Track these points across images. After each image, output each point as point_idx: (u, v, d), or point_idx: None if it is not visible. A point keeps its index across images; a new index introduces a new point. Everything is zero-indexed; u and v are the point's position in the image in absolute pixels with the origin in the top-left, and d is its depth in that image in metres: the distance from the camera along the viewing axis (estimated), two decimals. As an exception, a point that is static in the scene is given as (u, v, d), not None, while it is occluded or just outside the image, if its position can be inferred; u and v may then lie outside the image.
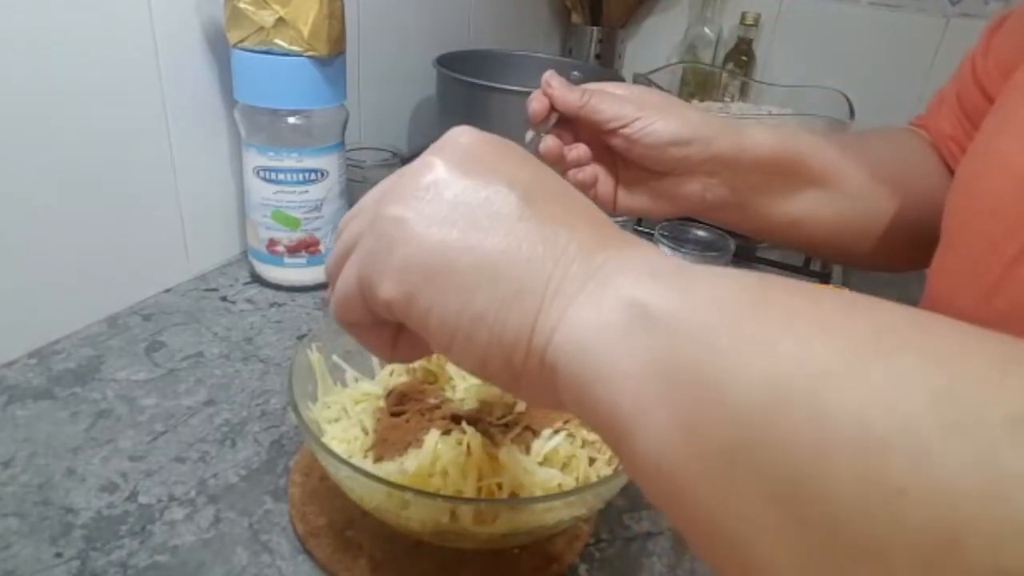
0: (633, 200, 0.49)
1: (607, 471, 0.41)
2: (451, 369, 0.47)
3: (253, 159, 0.61)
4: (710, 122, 0.47)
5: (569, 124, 0.47)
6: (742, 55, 1.16)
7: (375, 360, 0.48)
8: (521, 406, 0.43)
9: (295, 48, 0.56)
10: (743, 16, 1.14)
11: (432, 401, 0.43)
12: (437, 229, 0.23)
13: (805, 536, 0.16)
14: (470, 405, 0.44)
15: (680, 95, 1.06)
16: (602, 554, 0.41)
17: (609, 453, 0.42)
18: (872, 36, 1.12)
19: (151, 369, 0.53)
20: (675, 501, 0.20)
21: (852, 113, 0.85)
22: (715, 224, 0.61)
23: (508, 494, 0.38)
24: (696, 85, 1.09)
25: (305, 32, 0.55)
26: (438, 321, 0.23)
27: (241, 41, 0.56)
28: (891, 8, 1.10)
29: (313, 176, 0.61)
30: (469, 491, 0.38)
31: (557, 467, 0.41)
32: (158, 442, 0.46)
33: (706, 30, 1.18)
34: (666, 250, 0.66)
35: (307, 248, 0.64)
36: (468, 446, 0.39)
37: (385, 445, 0.40)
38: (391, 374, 0.47)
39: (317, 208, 0.63)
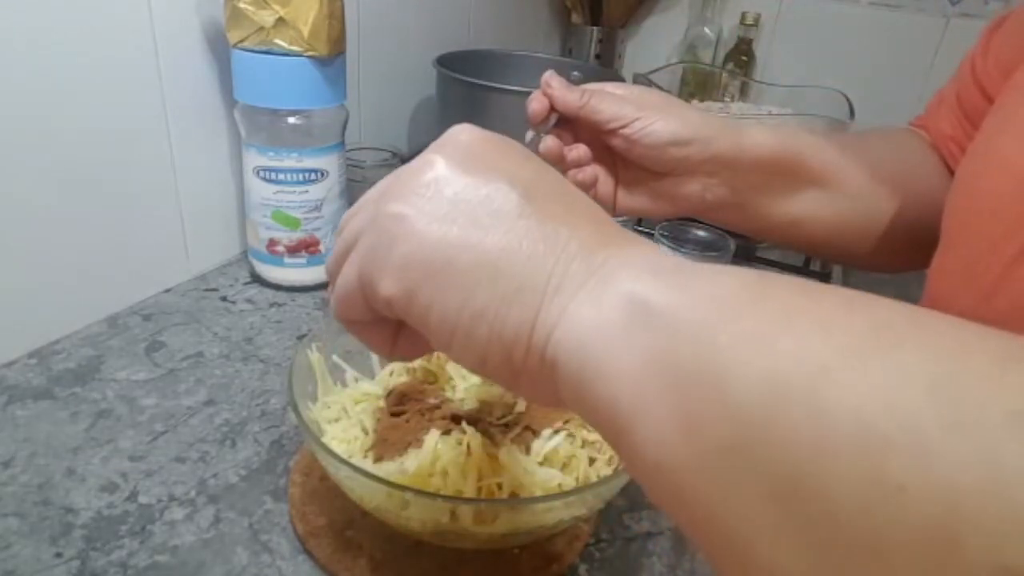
0: (633, 200, 0.49)
1: (607, 471, 0.41)
2: (451, 369, 0.47)
3: (253, 159, 0.61)
4: (710, 122, 0.47)
5: (569, 124, 0.47)
6: (742, 55, 1.16)
7: (375, 360, 0.48)
8: (521, 406, 0.43)
9: (295, 48, 0.56)
10: (743, 16, 1.14)
11: (432, 401, 0.43)
12: (438, 226, 0.23)
13: (805, 533, 0.16)
14: (470, 405, 0.44)
15: (680, 95, 1.06)
16: (602, 554, 0.41)
17: (609, 453, 0.42)
18: (872, 36, 1.12)
19: (151, 369, 0.53)
20: (675, 499, 0.20)
21: (852, 113, 0.85)
22: (715, 224, 0.61)
23: (508, 494, 0.38)
24: (696, 85, 1.09)
25: (305, 32, 0.55)
26: (438, 318, 0.23)
27: (241, 41, 0.56)
28: (891, 8, 1.10)
29: (313, 176, 0.61)
30: (469, 491, 0.38)
31: (557, 467, 0.41)
32: (158, 442, 0.46)
33: (706, 30, 1.18)
34: (666, 250, 0.66)
35: (307, 248, 0.64)
36: (468, 446, 0.39)
37: (385, 445, 0.40)
38: (391, 374, 0.47)
39: (317, 208, 0.63)
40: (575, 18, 1.25)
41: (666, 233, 0.68)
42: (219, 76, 0.62)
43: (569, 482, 0.40)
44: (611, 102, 0.45)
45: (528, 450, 0.41)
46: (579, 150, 0.47)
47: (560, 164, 0.47)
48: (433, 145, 0.26)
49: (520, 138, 0.45)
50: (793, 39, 1.18)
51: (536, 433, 0.42)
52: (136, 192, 0.58)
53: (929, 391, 0.15)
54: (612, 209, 0.50)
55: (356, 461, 0.39)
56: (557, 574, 0.40)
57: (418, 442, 0.39)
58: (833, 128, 0.81)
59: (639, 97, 0.46)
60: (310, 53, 0.56)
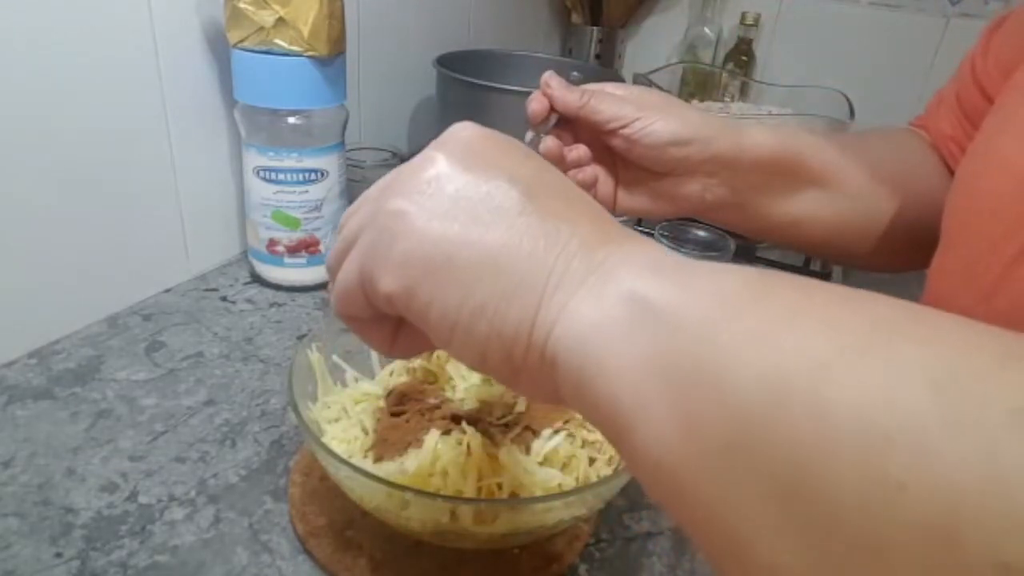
0: (633, 200, 0.49)
1: (607, 471, 0.41)
2: (451, 369, 0.47)
3: (253, 159, 0.61)
4: (710, 122, 0.47)
5: (569, 125, 0.47)
6: (742, 55, 1.16)
7: (375, 360, 0.48)
8: (521, 406, 0.43)
9: (295, 48, 0.56)
10: (743, 16, 1.14)
11: (432, 401, 0.43)
12: (438, 223, 0.23)
13: (805, 531, 0.16)
14: (470, 405, 0.44)
15: (680, 95, 1.06)
16: (602, 554, 0.41)
17: (609, 453, 0.42)
18: (872, 36, 1.12)
19: (151, 369, 0.53)
20: (675, 497, 0.20)
21: (852, 113, 0.85)
22: (715, 224, 0.61)
23: (508, 494, 0.38)
24: (696, 85, 1.09)
25: (305, 32, 0.55)
26: (438, 315, 0.23)
27: (241, 41, 0.56)
28: (891, 8, 1.10)
29: (313, 176, 0.61)
30: (469, 491, 0.38)
31: (557, 467, 0.41)
32: (158, 442, 0.46)
33: (706, 30, 1.18)
34: (666, 250, 0.66)
35: (307, 248, 0.64)
36: (468, 446, 0.39)
37: (385, 445, 0.40)
38: (391, 374, 0.47)
39: (317, 208, 0.63)
40: (575, 18, 1.25)
41: (666, 233, 0.68)
42: (219, 76, 0.62)
43: (569, 482, 0.40)
44: (611, 102, 0.45)
45: (528, 450, 0.41)
46: (579, 150, 0.47)
47: (560, 164, 0.47)
48: (434, 142, 0.26)
49: (520, 138, 0.45)
50: (793, 39, 1.18)
51: (536, 433, 0.42)
52: (136, 192, 0.58)
53: (930, 389, 0.15)
54: (612, 209, 0.50)
55: (356, 461, 0.39)
56: (557, 574, 0.40)
57: (418, 442, 0.39)
58: (833, 128, 0.81)
59: (639, 97, 0.46)
60: (310, 53, 0.56)
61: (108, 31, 0.52)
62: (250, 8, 0.55)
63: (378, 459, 0.40)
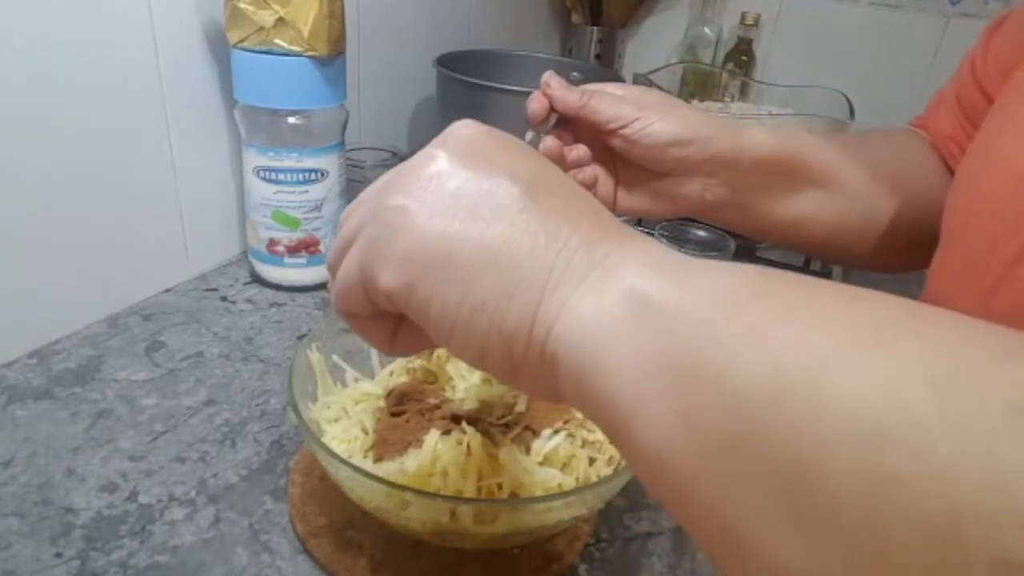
0: (633, 200, 0.49)
1: (607, 471, 0.41)
2: (451, 369, 0.47)
3: (253, 159, 0.61)
4: (710, 122, 0.47)
5: (569, 125, 0.47)
6: (742, 55, 1.16)
7: (375, 360, 0.48)
8: (521, 406, 0.43)
9: (295, 48, 0.56)
10: (743, 16, 1.14)
11: (432, 401, 0.43)
12: (439, 220, 0.23)
13: (805, 527, 0.16)
14: (470, 405, 0.44)
15: (680, 95, 1.06)
16: (602, 554, 0.41)
17: (609, 453, 0.42)
18: (872, 36, 1.12)
19: (151, 369, 0.53)
20: (675, 494, 0.20)
21: (852, 113, 0.85)
22: (715, 224, 0.61)
23: (508, 494, 0.38)
24: (696, 85, 1.09)
25: (305, 32, 0.55)
26: (438, 311, 0.24)
27: (241, 41, 0.56)
28: (891, 8, 1.10)
29: (313, 176, 0.61)
30: (469, 491, 0.38)
31: (557, 467, 0.41)
32: (158, 442, 0.46)
33: (706, 30, 1.18)
34: (666, 248, 0.66)
35: (307, 248, 0.64)
36: (468, 446, 0.39)
37: (385, 445, 0.40)
38: (391, 374, 0.47)
39: (317, 208, 0.63)
40: (575, 18, 1.25)
41: (666, 233, 0.68)
42: (219, 76, 0.62)
43: (569, 482, 0.40)
44: (611, 102, 0.45)
45: (528, 450, 0.41)
46: (579, 150, 0.47)
47: (560, 164, 0.47)
48: (435, 140, 0.26)
49: (520, 138, 0.45)
50: (793, 39, 1.18)
51: (536, 433, 0.42)
52: (136, 192, 0.58)
53: (929, 385, 0.15)
54: (612, 209, 0.50)
55: (356, 461, 0.39)
56: (557, 574, 0.40)
57: (418, 442, 0.39)
58: (833, 128, 0.81)
59: (639, 97, 0.46)
60: (310, 53, 0.56)
61: (108, 31, 0.52)
62: (250, 8, 0.55)
63: (378, 459, 0.40)
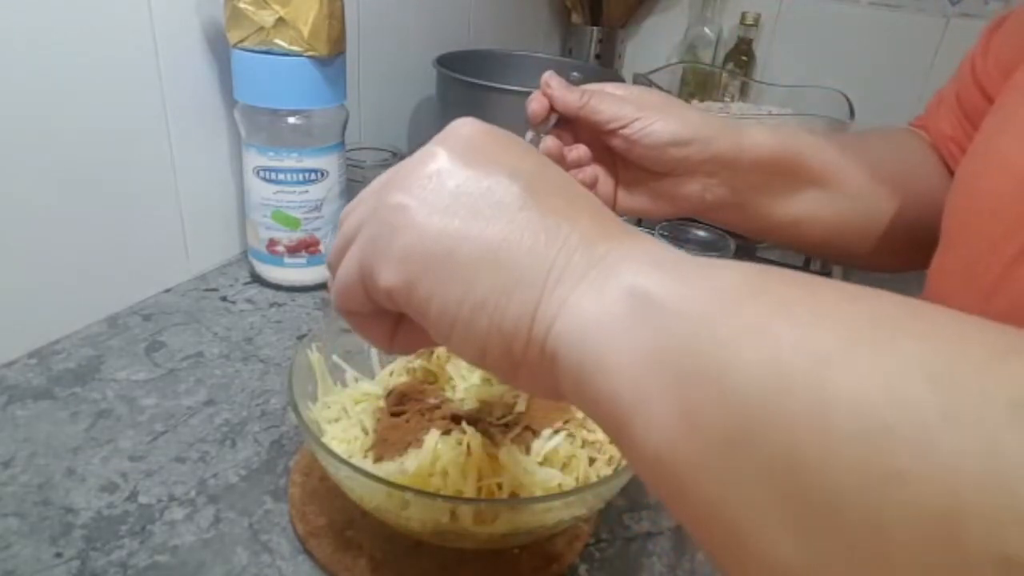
0: (633, 200, 0.49)
1: (607, 471, 0.41)
2: (451, 369, 0.47)
3: (253, 159, 0.61)
4: (710, 122, 0.47)
5: (569, 125, 0.47)
6: (742, 55, 1.16)
7: (375, 360, 0.48)
8: (521, 406, 0.43)
9: (295, 48, 0.56)
10: (743, 16, 1.14)
11: (432, 401, 0.43)
12: (439, 218, 0.23)
13: (805, 524, 0.16)
14: (470, 405, 0.44)
15: (680, 95, 1.06)
16: (602, 554, 0.41)
17: (609, 453, 0.42)
18: (872, 36, 1.12)
19: (151, 369, 0.53)
20: (675, 492, 0.20)
21: (852, 113, 0.85)
22: (715, 224, 0.61)
23: (508, 494, 0.38)
24: (696, 85, 1.09)
25: (305, 32, 0.55)
26: (438, 309, 0.24)
27: (241, 41, 0.56)
28: (891, 8, 1.10)
29: (313, 176, 0.61)
30: (469, 491, 0.38)
31: (557, 467, 0.41)
32: (158, 442, 0.46)
33: (706, 30, 1.18)
34: (666, 246, 0.66)
35: (307, 248, 0.64)
36: (468, 446, 0.39)
37: (385, 445, 0.40)
38: (391, 374, 0.47)
39: (317, 208, 0.63)
40: (575, 18, 1.25)
41: (666, 233, 0.68)
42: (219, 76, 0.62)
43: (569, 482, 0.40)
44: (611, 102, 0.45)
45: (528, 450, 0.41)
46: (579, 150, 0.47)
47: (560, 164, 0.46)
48: (435, 138, 0.26)
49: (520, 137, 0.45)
50: (793, 39, 1.18)
51: (536, 433, 0.42)
52: (136, 192, 0.58)
53: (930, 381, 0.15)
54: (612, 209, 0.49)
55: (356, 461, 0.39)
56: (557, 574, 0.40)
57: (418, 442, 0.39)
58: (833, 128, 0.81)
59: (639, 97, 0.46)
60: (310, 53, 0.56)
61: (108, 31, 0.52)
62: (250, 8, 0.55)
63: (378, 459, 0.40)
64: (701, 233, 0.69)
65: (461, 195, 0.24)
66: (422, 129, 0.97)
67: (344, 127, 0.64)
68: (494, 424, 0.42)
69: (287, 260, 0.64)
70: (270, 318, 0.61)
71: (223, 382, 0.52)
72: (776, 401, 0.17)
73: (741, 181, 0.48)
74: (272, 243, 0.63)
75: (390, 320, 0.29)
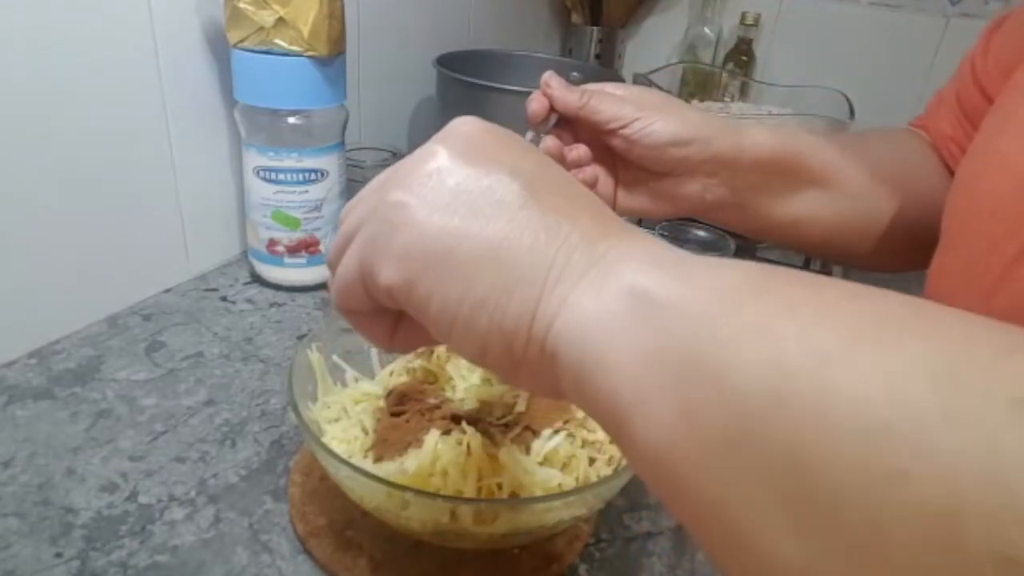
0: (633, 200, 0.49)
1: (607, 471, 0.41)
2: (451, 369, 0.47)
3: (253, 159, 0.61)
4: (709, 122, 0.47)
5: (569, 125, 0.47)
6: (742, 55, 1.16)
7: (375, 360, 0.48)
8: (521, 406, 0.43)
9: (295, 48, 0.56)
10: (743, 16, 1.14)
11: (432, 401, 0.43)
12: (439, 216, 0.23)
13: (806, 522, 0.16)
14: (470, 405, 0.44)
15: (680, 95, 1.06)
16: (602, 554, 0.41)
17: (609, 453, 0.42)
18: (872, 36, 1.12)
19: (151, 369, 0.53)
20: (675, 491, 0.20)
21: (852, 113, 0.85)
22: (715, 224, 0.61)
23: (508, 494, 0.38)
24: (696, 85, 1.09)
25: (305, 32, 0.55)
26: (438, 308, 0.23)
27: (241, 41, 0.56)
28: (891, 8, 1.10)
29: (313, 176, 0.61)
30: (469, 491, 0.38)
31: (557, 467, 0.41)
32: (158, 442, 0.46)
33: (706, 30, 1.18)
34: (667, 245, 0.66)
35: (307, 248, 0.64)
36: (468, 446, 0.39)
37: (385, 445, 0.40)
38: (391, 374, 0.47)
39: (317, 208, 0.63)
40: (575, 18, 1.25)
41: (666, 233, 0.68)
42: (219, 76, 0.62)
43: (569, 482, 0.40)
44: (611, 102, 0.45)
45: (528, 450, 0.41)
46: (579, 150, 0.47)
47: (560, 164, 0.47)
48: (435, 136, 0.26)
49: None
50: (793, 39, 1.18)
51: (536, 433, 0.42)
52: (136, 192, 0.58)
53: (931, 380, 0.15)
54: (612, 209, 0.50)
55: (356, 461, 0.39)
56: (557, 574, 0.40)
57: (418, 442, 0.39)
58: (833, 128, 0.81)
59: (639, 97, 0.46)
60: (310, 53, 0.56)
61: (108, 31, 0.52)
62: (250, 8, 0.55)
63: (378, 459, 0.40)
64: (701, 233, 0.69)
65: (461, 193, 0.24)
66: (422, 129, 0.97)
67: (344, 127, 0.64)
68: (494, 424, 0.42)
69: (287, 260, 0.64)
70: (270, 318, 0.61)
71: (223, 382, 0.52)
72: (776, 400, 0.17)
73: (741, 181, 0.48)
74: (272, 243, 0.63)
75: (390, 318, 0.29)
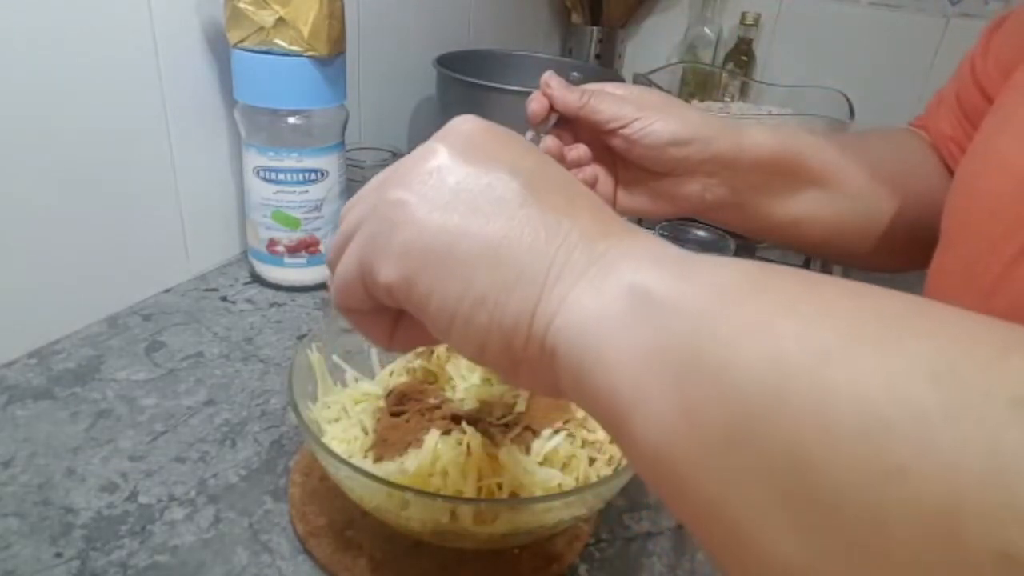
0: (633, 200, 0.49)
1: (607, 471, 0.41)
2: (451, 369, 0.47)
3: (253, 159, 0.61)
4: (709, 122, 0.47)
5: (569, 124, 0.47)
6: (742, 55, 1.16)
7: (375, 360, 0.48)
8: (521, 406, 0.43)
9: (295, 48, 0.56)
10: (743, 16, 1.14)
11: (432, 401, 0.43)
12: (439, 214, 0.23)
13: (806, 520, 0.16)
14: (470, 405, 0.44)
15: (680, 95, 1.06)
16: (602, 554, 0.41)
17: (609, 453, 0.42)
18: (872, 36, 1.12)
19: (151, 369, 0.53)
20: (675, 489, 0.20)
21: (852, 113, 0.85)
22: (715, 224, 0.61)
23: (508, 494, 0.38)
24: (696, 85, 1.09)
25: (305, 32, 0.55)
26: (438, 306, 0.23)
27: (241, 41, 0.56)
28: (891, 8, 1.10)
29: (313, 176, 0.61)
30: (469, 491, 0.38)
31: (557, 467, 0.41)
32: (158, 442, 0.46)
33: (706, 30, 1.18)
34: (667, 244, 0.66)
35: (307, 248, 0.64)
36: (468, 446, 0.39)
37: (385, 445, 0.40)
38: (391, 374, 0.47)
39: (317, 208, 0.63)
40: (575, 18, 1.25)
41: (666, 233, 0.68)
42: (219, 76, 0.62)
43: (569, 482, 0.40)
44: (611, 102, 0.45)
45: (528, 450, 0.41)
46: (579, 150, 0.47)
47: (560, 164, 0.47)
48: (435, 135, 0.26)
49: (520, 138, 0.45)
50: (793, 39, 1.18)
51: (536, 433, 0.42)
52: (136, 192, 0.58)
53: (932, 378, 0.15)
54: (612, 209, 0.50)
55: (356, 461, 0.39)
56: (557, 574, 0.40)
57: (418, 442, 0.39)
58: (833, 128, 0.81)
59: (639, 97, 0.46)
60: (310, 53, 0.56)
61: (108, 31, 0.52)
62: (250, 8, 0.55)
63: (378, 459, 0.40)
64: (701, 233, 0.69)
65: (461, 191, 0.24)
66: (422, 129, 0.97)
67: (344, 127, 0.64)
68: (494, 424, 0.42)
69: (287, 260, 0.64)
70: (270, 318, 0.61)
71: (223, 382, 0.52)
72: (776, 398, 0.17)
73: (741, 181, 0.48)
74: (272, 243, 0.63)
75: (389, 317, 0.29)
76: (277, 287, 0.65)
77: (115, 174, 0.56)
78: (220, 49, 0.61)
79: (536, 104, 0.46)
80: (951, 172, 0.51)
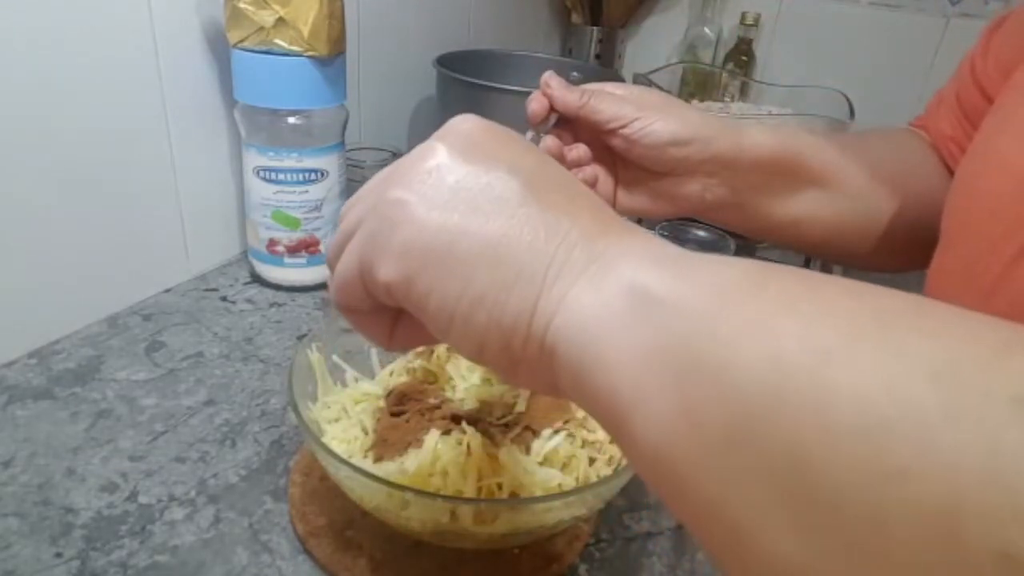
0: (633, 200, 0.49)
1: (607, 471, 0.41)
2: (451, 369, 0.47)
3: (253, 159, 0.61)
4: (709, 122, 0.47)
5: (569, 124, 0.47)
6: (742, 55, 1.16)
7: (375, 360, 0.48)
8: (521, 406, 0.43)
9: (295, 48, 0.56)
10: (743, 16, 1.14)
11: (432, 401, 0.43)
12: (438, 213, 0.23)
13: (806, 521, 0.16)
14: (470, 405, 0.44)
15: (680, 95, 1.06)
16: (602, 554, 0.41)
17: (609, 453, 0.42)
18: (872, 36, 1.12)
19: (151, 369, 0.53)
20: (675, 489, 0.20)
21: (852, 113, 0.85)
22: (715, 224, 0.61)
23: (508, 494, 0.38)
24: (696, 85, 1.09)
25: (305, 32, 0.55)
26: (437, 304, 0.23)
27: (241, 41, 0.56)
28: (891, 8, 1.10)
29: (313, 176, 0.61)
30: (469, 491, 0.38)
31: (557, 467, 0.41)
32: (158, 442, 0.46)
33: (706, 30, 1.18)
34: (666, 243, 0.66)
35: (307, 248, 0.64)
36: (468, 446, 0.39)
37: (385, 445, 0.40)
38: (391, 374, 0.47)
39: (317, 208, 0.63)
40: (575, 18, 1.25)
41: (666, 233, 0.68)
42: (219, 76, 0.62)
43: (569, 482, 0.40)
44: (611, 102, 0.45)
45: (528, 450, 0.41)
46: (579, 150, 0.47)
47: (560, 164, 0.47)
48: (435, 134, 0.26)
49: (520, 137, 0.45)
50: (793, 39, 1.18)
51: (536, 433, 0.42)
52: (136, 192, 0.58)
53: (931, 378, 0.15)
54: (612, 209, 0.50)
55: (356, 461, 0.39)
56: (557, 574, 0.40)
57: (418, 442, 0.39)
58: (833, 128, 0.81)
59: (639, 97, 0.46)
60: (310, 53, 0.56)
61: (108, 31, 0.52)
62: (250, 8, 0.55)
63: (378, 459, 0.40)
64: (701, 233, 0.69)
65: (461, 190, 0.24)
66: (422, 129, 0.97)
67: (344, 127, 0.64)
68: (494, 424, 0.42)
69: (287, 260, 0.64)
70: (270, 318, 0.61)
71: (223, 382, 0.52)
72: (776, 398, 0.16)
73: (741, 181, 0.48)
74: (272, 243, 0.63)
75: (389, 316, 0.29)
76: (277, 287, 0.65)
77: (115, 174, 0.56)
78: (220, 49, 0.61)
79: (536, 104, 0.46)
80: (951, 172, 0.51)
